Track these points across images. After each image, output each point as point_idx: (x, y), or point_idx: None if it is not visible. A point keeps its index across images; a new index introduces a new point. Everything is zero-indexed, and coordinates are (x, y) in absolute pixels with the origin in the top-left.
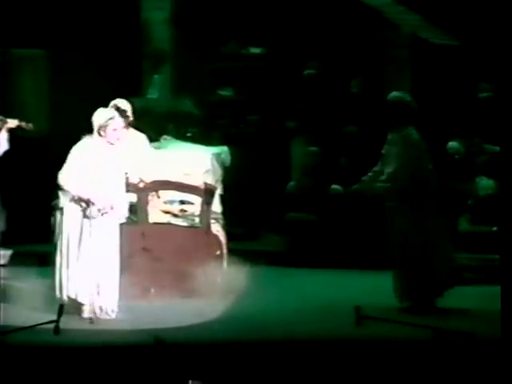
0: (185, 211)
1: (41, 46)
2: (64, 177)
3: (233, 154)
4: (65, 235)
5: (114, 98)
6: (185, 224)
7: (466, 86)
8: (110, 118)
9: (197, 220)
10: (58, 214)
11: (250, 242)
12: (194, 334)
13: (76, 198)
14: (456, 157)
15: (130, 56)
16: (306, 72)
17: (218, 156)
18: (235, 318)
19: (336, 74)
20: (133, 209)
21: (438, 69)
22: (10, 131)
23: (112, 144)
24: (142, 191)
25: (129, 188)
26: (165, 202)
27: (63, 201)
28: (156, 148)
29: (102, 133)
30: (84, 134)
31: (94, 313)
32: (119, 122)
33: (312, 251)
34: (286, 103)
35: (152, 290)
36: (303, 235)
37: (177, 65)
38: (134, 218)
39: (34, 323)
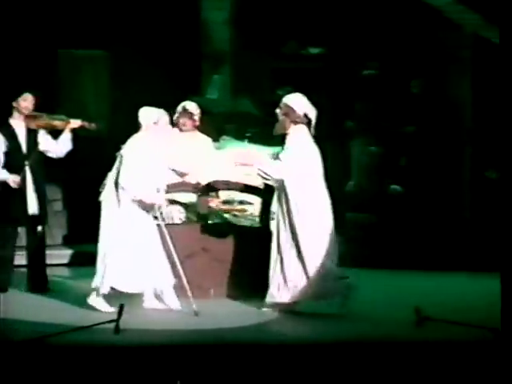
0: (244, 211)
1: (102, 46)
2: (128, 182)
3: None
4: (125, 234)
5: (173, 98)
6: (244, 224)
7: None
8: (163, 114)
9: (256, 220)
10: (109, 211)
11: None
12: (254, 335)
13: (139, 199)
14: None
15: (189, 56)
16: (365, 72)
17: (277, 156)
18: (296, 319)
19: (396, 74)
20: (192, 209)
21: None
22: (73, 131)
23: (162, 141)
24: (202, 191)
25: (189, 188)
26: (224, 202)
27: (123, 201)
28: (216, 148)
29: (155, 127)
30: None
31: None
32: (167, 118)
33: (371, 251)
34: (345, 103)
35: (211, 291)
36: (363, 235)
37: (236, 65)
38: (194, 218)
39: (94, 322)
